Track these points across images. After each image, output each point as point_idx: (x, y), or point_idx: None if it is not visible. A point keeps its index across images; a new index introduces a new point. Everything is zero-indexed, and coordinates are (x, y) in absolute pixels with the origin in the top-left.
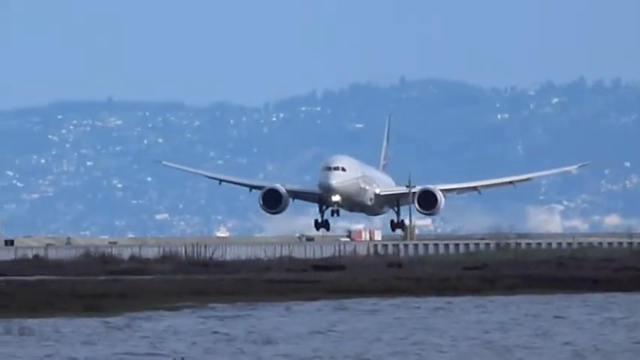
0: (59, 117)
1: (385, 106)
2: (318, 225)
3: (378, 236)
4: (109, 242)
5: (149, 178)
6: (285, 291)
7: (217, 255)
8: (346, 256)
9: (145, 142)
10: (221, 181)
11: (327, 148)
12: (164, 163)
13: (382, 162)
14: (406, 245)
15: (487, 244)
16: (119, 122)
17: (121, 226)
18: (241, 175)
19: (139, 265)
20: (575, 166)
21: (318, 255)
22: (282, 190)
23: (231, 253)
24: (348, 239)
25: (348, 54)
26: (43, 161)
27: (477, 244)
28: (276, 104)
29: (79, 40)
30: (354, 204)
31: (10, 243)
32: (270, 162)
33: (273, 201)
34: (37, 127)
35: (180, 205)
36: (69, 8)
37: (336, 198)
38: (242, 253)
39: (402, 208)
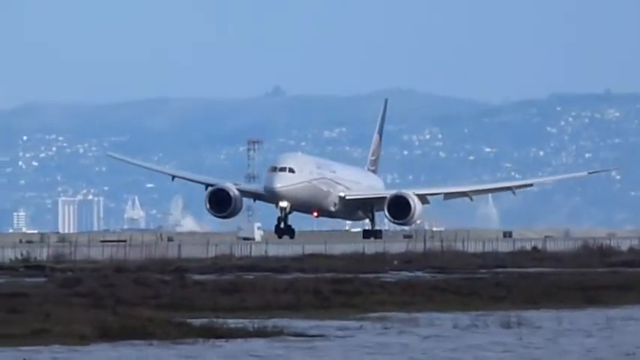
0: (558, 109)
1: None
2: (279, 231)
3: None
4: (607, 234)
5: None
6: None
7: None
8: None
9: None
10: (174, 177)
11: None
12: (109, 154)
13: (370, 157)
14: None
15: None
16: (617, 114)
17: (619, 218)
18: None
19: (638, 257)
20: (584, 172)
21: None
22: (233, 190)
23: None
24: None
25: None
26: (541, 153)
27: None
28: None
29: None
30: (313, 209)
31: (508, 235)
32: None
33: (220, 203)
34: (536, 119)
35: None
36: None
37: (283, 204)
38: None
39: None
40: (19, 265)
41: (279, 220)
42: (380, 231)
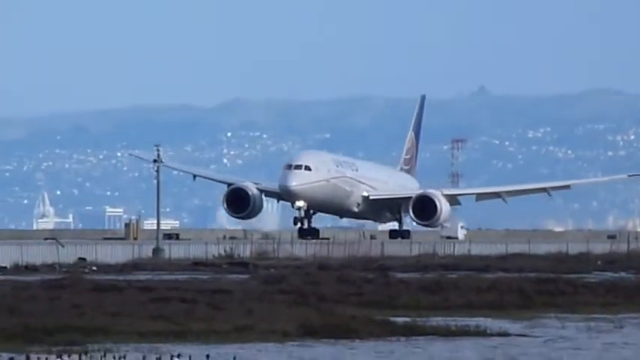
0: None
1: None
2: (302, 232)
3: None
4: None
5: None
6: None
7: None
8: None
9: None
10: (195, 176)
11: None
12: (130, 152)
13: (404, 156)
14: None
15: None
16: None
17: None
18: None
19: None
20: (624, 175)
21: None
22: (252, 189)
23: None
24: None
25: None
26: None
27: None
28: None
29: None
30: (334, 210)
31: None
32: None
33: (239, 203)
34: None
35: None
36: None
37: (299, 203)
38: None
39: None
40: (222, 261)
41: (296, 220)
42: (408, 231)
